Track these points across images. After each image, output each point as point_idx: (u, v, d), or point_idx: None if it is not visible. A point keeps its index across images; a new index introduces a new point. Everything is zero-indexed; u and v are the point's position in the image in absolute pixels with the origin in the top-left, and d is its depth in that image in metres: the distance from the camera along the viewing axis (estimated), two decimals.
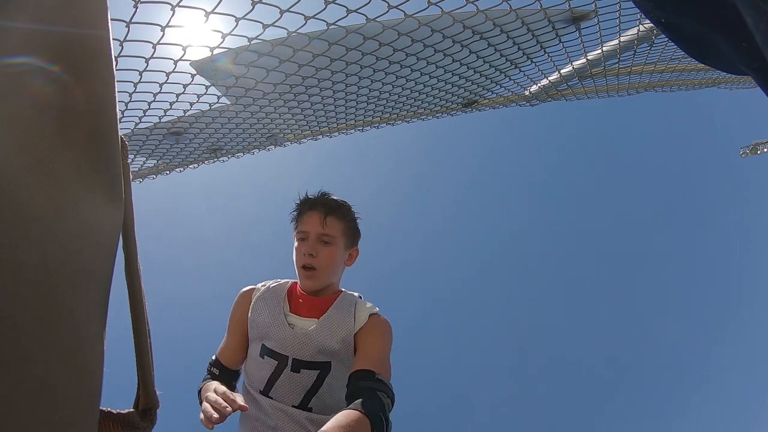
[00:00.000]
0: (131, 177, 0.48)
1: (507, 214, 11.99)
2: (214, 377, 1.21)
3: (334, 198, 1.27)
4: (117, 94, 0.41)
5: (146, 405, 0.44)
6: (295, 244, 1.23)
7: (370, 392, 0.97)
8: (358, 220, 1.29)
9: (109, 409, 0.41)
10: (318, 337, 1.16)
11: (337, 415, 0.89)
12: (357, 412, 0.90)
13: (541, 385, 10.17)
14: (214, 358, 1.26)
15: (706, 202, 11.36)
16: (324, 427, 0.84)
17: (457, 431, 10.31)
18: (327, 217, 1.21)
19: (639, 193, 11.73)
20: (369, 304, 1.25)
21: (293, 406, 1.14)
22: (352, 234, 1.27)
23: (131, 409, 0.43)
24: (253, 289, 1.27)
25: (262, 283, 1.29)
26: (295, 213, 1.28)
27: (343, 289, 1.28)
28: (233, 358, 1.24)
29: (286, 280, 1.30)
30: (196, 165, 2.61)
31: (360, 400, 0.94)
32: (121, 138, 0.42)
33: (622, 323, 10.80)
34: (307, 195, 1.27)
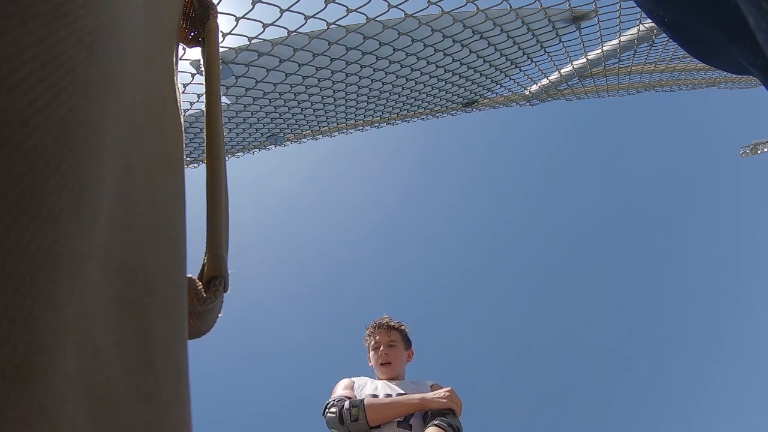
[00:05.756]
0: None
1: (506, 213, 12.00)
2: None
3: (391, 319, 1.86)
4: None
5: (212, 273, 0.34)
6: (371, 352, 1.79)
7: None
8: (408, 332, 1.84)
9: None
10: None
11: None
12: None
13: (540, 384, 10.19)
14: None
15: (706, 201, 11.37)
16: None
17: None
18: (391, 331, 1.79)
19: (638, 193, 11.74)
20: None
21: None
22: (406, 340, 1.82)
23: (193, 276, 0.33)
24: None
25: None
26: (368, 333, 1.83)
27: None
28: None
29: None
30: (196, 165, 2.60)
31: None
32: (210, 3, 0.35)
33: (619, 323, 10.82)
34: (375, 321, 1.84)
